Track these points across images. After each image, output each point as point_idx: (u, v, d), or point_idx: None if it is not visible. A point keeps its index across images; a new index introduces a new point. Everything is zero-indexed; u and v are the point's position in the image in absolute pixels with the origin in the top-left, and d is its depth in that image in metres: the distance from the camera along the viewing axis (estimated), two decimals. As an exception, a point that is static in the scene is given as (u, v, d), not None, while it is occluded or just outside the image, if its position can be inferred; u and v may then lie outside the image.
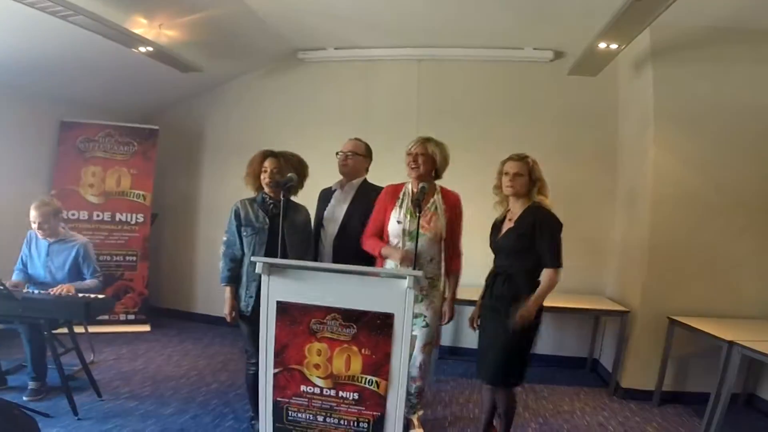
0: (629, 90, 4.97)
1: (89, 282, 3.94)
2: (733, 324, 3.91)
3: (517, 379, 3.08)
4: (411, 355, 3.09)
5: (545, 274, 2.95)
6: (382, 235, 3.30)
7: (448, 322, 3.42)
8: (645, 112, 4.50)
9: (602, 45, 3.96)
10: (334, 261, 3.45)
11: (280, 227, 2.97)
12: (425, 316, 3.25)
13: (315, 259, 3.54)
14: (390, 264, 3.22)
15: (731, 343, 3.46)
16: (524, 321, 2.88)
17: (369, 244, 3.29)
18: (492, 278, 3.07)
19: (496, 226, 3.19)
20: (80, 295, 3.68)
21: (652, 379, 4.27)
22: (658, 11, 3.30)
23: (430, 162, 3.22)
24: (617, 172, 5.18)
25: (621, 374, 4.48)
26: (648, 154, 4.43)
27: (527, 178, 3.01)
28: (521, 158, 3.05)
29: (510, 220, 3.07)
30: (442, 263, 3.36)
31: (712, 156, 4.28)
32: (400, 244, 3.19)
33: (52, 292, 3.65)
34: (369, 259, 3.34)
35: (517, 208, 3.07)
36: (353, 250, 3.35)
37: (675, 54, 4.31)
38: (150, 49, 4.40)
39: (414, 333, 3.23)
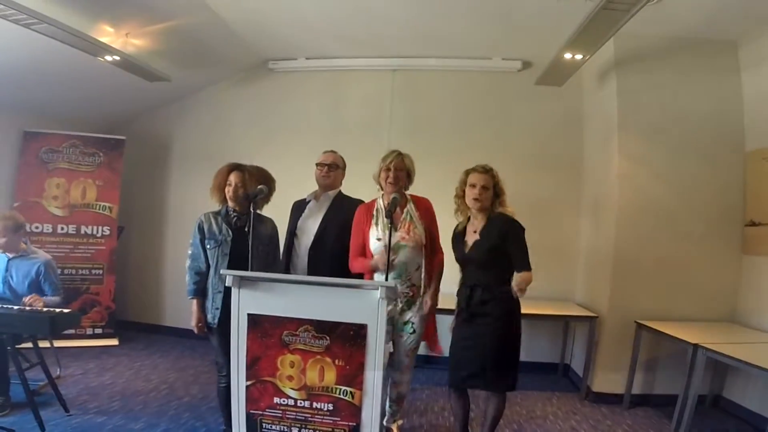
0: (594, 100, 5.08)
1: (52, 299, 3.87)
2: (698, 327, 4.01)
3: (515, 382, 3.08)
4: (385, 364, 3.08)
5: (521, 275, 2.96)
6: (365, 254, 3.31)
7: (429, 311, 3.37)
8: (609, 121, 4.61)
9: (568, 55, 4.04)
10: (310, 271, 3.45)
11: (249, 239, 2.95)
12: (413, 323, 3.28)
13: (287, 271, 3.53)
14: (380, 276, 3.22)
15: (696, 346, 3.54)
16: (525, 285, 2.89)
17: (356, 265, 3.31)
18: (469, 291, 3.05)
19: (458, 236, 3.20)
20: (45, 309, 3.59)
21: (622, 383, 4.34)
22: (622, 22, 3.39)
23: (405, 176, 3.31)
24: (583, 180, 5.29)
25: (592, 378, 4.55)
26: (612, 163, 4.53)
27: (492, 191, 3.06)
28: (487, 171, 3.09)
29: (475, 231, 3.09)
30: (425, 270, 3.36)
31: (673, 164, 4.41)
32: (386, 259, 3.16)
33: (24, 302, 3.60)
34: (345, 269, 3.34)
35: (480, 220, 3.10)
36: (328, 260, 3.36)
37: (638, 64, 4.44)
38: (116, 58, 4.33)
39: (403, 338, 3.28)
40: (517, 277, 2.95)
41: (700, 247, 4.39)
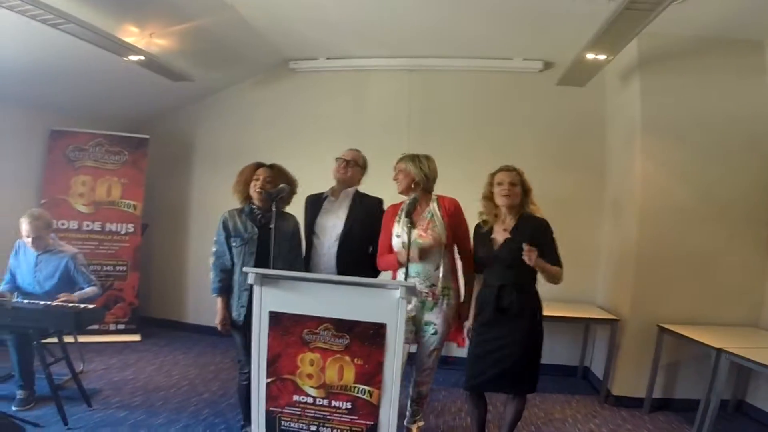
0: (616, 100, 5.02)
1: (89, 290, 3.95)
2: (721, 331, 3.96)
3: (536, 383, 3.14)
4: (403, 363, 3.09)
5: (555, 268, 3.03)
6: (391, 251, 3.33)
7: (464, 320, 3.38)
8: (632, 122, 4.56)
9: (590, 55, 4.01)
10: (339, 272, 3.41)
11: (272, 237, 2.98)
12: (435, 324, 3.25)
13: (307, 269, 3.53)
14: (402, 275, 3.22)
15: (720, 351, 3.48)
16: (533, 255, 2.87)
17: (384, 262, 3.35)
18: (496, 290, 3.02)
19: (484, 236, 3.17)
20: (70, 304, 3.67)
21: (643, 387, 4.29)
22: (645, 22, 3.35)
23: (406, 177, 3.30)
24: (605, 181, 5.24)
25: (612, 382, 4.51)
26: (635, 164, 4.48)
27: (520, 188, 3.07)
28: (513, 168, 3.11)
29: (505, 230, 3.08)
30: (450, 271, 3.33)
31: (698, 165, 4.34)
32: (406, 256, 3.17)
33: (56, 303, 3.66)
34: (374, 269, 3.40)
35: (510, 219, 3.09)
36: (357, 259, 3.38)
37: (661, 64, 4.38)
38: (141, 57, 4.40)
39: (424, 339, 3.27)
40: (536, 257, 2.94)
41: (724, 250, 4.32)
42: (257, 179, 3.24)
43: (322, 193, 3.72)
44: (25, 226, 3.82)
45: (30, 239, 3.84)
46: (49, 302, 3.68)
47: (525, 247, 2.87)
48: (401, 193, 3.34)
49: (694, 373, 4.22)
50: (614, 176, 5.07)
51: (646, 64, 4.41)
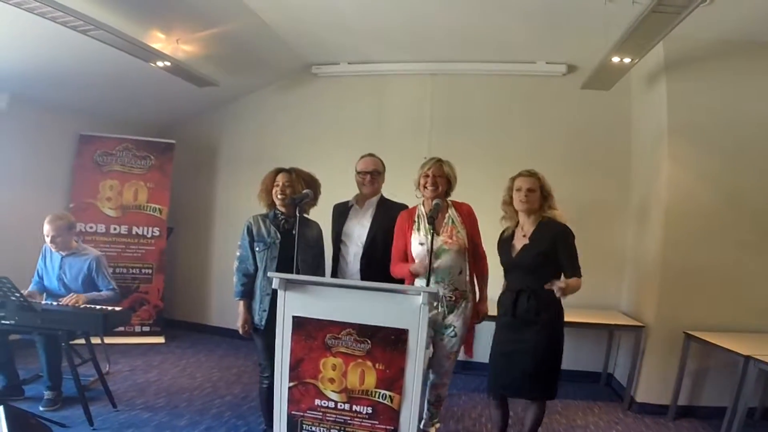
0: (642, 104, 4.96)
1: (105, 294, 4.00)
2: (749, 338, 3.88)
3: (556, 390, 3.08)
4: (425, 368, 3.09)
5: (571, 280, 2.97)
6: (406, 259, 3.33)
7: (481, 321, 3.46)
8: (658, 125, 4.50)
9: (616, 59, 3.96)
10: (363, 279, 3.43)
11: (296, 243, 3.00)
12: (455, 327, 3.27)
13: (334, 275, 3.59)
14: (421, 281, 3.24)
15: (748, 358, 3.43)
16: (571, 290, 2.89)
17: (397, 270, 3.34)
18: (514, 296, 3.02)
19: (505, 241, 3.19)
20: (98, 307, 3.74)
21: (667, 394, 4.23)
22: (673, 25, 3.30)
23: (445, 182, 3.30)
24: (631, 186, 5.17)
25: (636, 388, 4.44)
26: (661, 168, 4.42)
27: (539, 193, 3.05)
28: (532, 174, 3.10)
29: (524, 236, 3.07)
30: (469, 273, 3.36)
31: (725, 170, 4.26)
32: (427, 263, 3.19)
33: (62, 303, 3.73)
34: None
35: (529, 224, 3.08)
36: (381, 268, 3.37)
37: (688, 67, 4.31)
38: (167, 63, 4.46)
39: (443, 342, 3.28)
40: (566, 281, 2.95)
41: (752, 256, 4.24)
42: (277, 185, 3.28)
43: (347, 202, 3.76)
44: (46, 225, 3.89)
45: (49, 237, 3.90)
46: (77, 304, 3.74)
47: (555, 287, 2.85)
48: (433, 198, 3.27)
49: (720, 380, 4.13)
50: (640, 181, 5.00)
51: (673, 67, 4.35)
